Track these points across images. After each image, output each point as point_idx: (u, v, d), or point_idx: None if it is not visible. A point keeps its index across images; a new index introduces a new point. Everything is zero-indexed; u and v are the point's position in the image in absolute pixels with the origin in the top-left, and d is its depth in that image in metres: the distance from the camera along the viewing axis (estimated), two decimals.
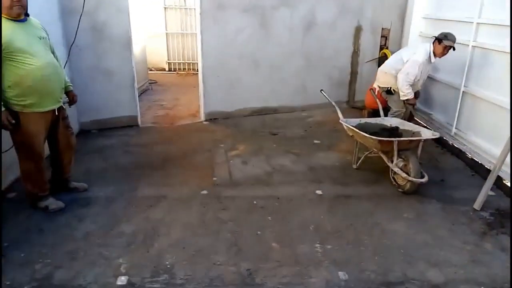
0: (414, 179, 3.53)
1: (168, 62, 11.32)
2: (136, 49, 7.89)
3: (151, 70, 10.78)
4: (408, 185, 3.63)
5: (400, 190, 3.73)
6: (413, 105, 4.75)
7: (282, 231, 3.10)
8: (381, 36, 6.55)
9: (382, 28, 6.50)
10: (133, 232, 3.05)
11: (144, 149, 4.82)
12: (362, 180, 4.01)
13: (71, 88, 3.45)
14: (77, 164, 4.22)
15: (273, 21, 5.94)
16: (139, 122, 5.78)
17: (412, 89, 4.57)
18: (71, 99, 3.45)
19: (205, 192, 3.73)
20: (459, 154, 4.65)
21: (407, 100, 4.61)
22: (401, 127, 4.25)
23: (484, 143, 4.40)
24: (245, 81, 6.08)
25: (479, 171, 4.20)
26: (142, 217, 3.26)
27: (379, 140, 3.72)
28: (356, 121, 4.37)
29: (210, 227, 3.13)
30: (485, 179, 4.00)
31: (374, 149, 3.98)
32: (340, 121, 4.31)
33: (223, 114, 6.12)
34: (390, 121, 4.38)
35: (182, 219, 3.25)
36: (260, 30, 5.94)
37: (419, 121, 5.75)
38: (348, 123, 4.24)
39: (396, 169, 3.66)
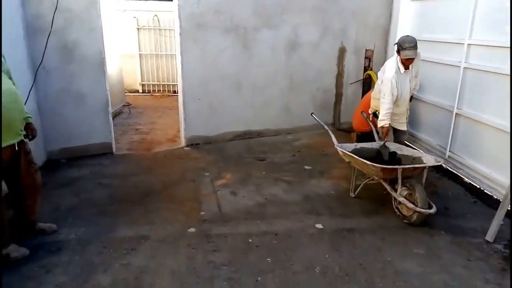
0: (422, 210, 3.26)
1: (142, 84, 10.89)
2: (112, 70, 7.45)
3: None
4: (415, 216, 3.36)
5: (405, 221, 3.46)
6: (384, 134, 4.17)
7: (285, 276, 2.73)
8: (365, 58, 6.43)
9: (366, 49, 6.40)
10: (111, 284, 2.59)
11: (120, 180, 4.36)
12: (363, 210, 3.72)
13: (31, 120, 2.99)
14: (44, 201, 3.71)
15: (255, 41, 5.70)
16: (114, 149, 5.31)
17: (398, 106, 4.26)
18: (31, 133, 2.98)
19: (192, 230, 3.31)
20: (456, 178, 4.47)
21: (381, 127, 4.14)
22: (399, 152, 4.02)
23: (481, 167, 4.23)
24: (227, 103, 5.77)
25: (481, 197, 4.01)
26: (122, 265, 2.81)
27: (382, 168, 3.45)
28: (352, 146, 4.12)
29: (202, 275, 2.72)
30: (488, 205, 3.84)
31: (375, 177, 3.72)
32: (335, 146, 4.04)
33: (205, 138, 5.75)
34: (388, 145, 4.15)
35: (169, 265, 2.82)
36: (242, 51, 5.67)
37: (408, 143, 5.60)
38: (344, 149, 3.98)
39: (401, 199, 3.40)
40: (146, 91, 10.95)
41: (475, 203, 3.95)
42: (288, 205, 3.82)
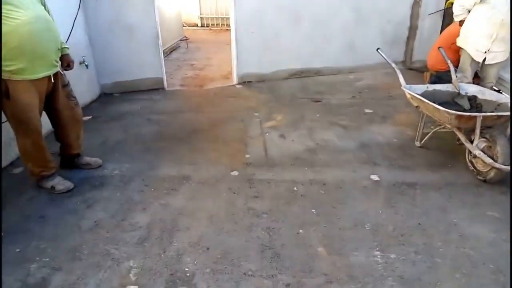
0: (503, 166, 2.74)
1: (201, 17, 10.57)
2: (167, 3, 7.18)
3: (182, 25, 10.09)
4: (492, 172, 2.85)
5: (479, 178, 2.96)
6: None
7: (330, 230, 2.46)
8: None
9: None
10: (148, 224, 2.53)
11: (169, 117, 4.26)
12: (428, 163, 3.25)
13: (68, 51, 2.80)
14: (94, 134, 3.77)
15: None
16: (165, 85, 5.20)
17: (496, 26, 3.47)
18: (67, 64, 2.80)
19: (235, 173, 3.13)
20: None
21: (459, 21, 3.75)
22: (480, 97, 3.40)
23: None
24: (283, 38, 5.29)
25: None
26: (161, 205, 2.73)
27: (458, 115, 2.91)
28: (422, 87, 3.55)
29: (240, 222, 2.55)
30: None
31: (447, 125, 3.18)
32: (402, 87, 3.50)
33: (258, 76, 5.41)
34: (466, 89, 3.52)
35: (207, 208, 2.69)
36: None
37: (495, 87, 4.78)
38: (413, 91, 3.43)
39: (477, 152, 2.88)
40: (205, 25, 10.66)
41: None
42: (341, 152, 3.46)
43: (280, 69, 5.45)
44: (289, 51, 5.36)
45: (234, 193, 2.86)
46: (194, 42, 8.87)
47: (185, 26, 10.18)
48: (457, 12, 3.76)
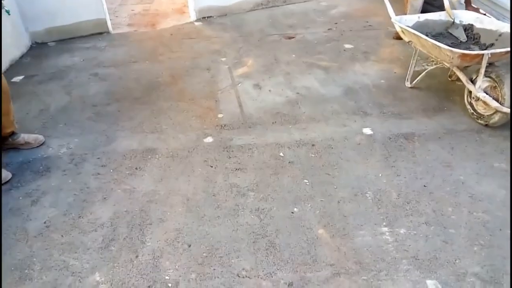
0: (504, 108, 2.45)
1: None
2: None
3: None
4: (496, 116, 2.56)
5: (480, 122, 2.68)
6: None
7: (328, 205, 2.14)
8: None
9: None
10: (112, 219, 2.09)
11: (120, 69, 3.60)
12: (422, 107, 2.92)
13: None
14: (29, 100, 3.13)
15: None
16: (110, 28, 4.39)
17: None
18: None
19: (209, 139, 2.67)
20: None
21: None
22: (477, 25, 3.00)
23: None
24: None
25: None
26: (124, 191, 2.27)
27: (462, 54, 2.51)
28: (413, 18, 3.09)
29: (224, 205, 2.16)
30: None
31: (445, 63, 2.80)
32: (392, 20, 3.03)
33: (219, 10, 4.68)
34: (461, 16, 3.10)
35: (182, 191, 2.26)
36: None
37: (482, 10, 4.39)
38: (403, 24, 2.97)
39: (481, 95, 2.55)
40: None
41: None
42: (326, 101, 3.04)
43: None
44: None
45: (211, 166, 2.43)
46: None
47: None
48: None
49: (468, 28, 3.05)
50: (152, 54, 3.85)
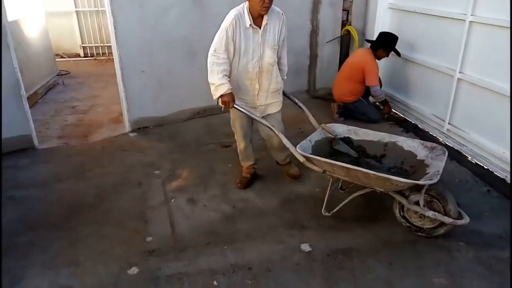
0: (458, 221, 2.47)
1: (83, 46, 9.39)
2: (31, 34, 6.03)
3: (61, 57, 8.85)
4: (442, 230, 2.56)
5: (420, 234, 2.64)
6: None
7: None
8: (343, 10, 5.40)
9: (344, 0, 5.35)
10: None
11: (40, 191, 3.30)
12: (357, 217, 2.90)
13: None
14: None
15: None
16: (36, 143, 4.16)
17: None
18: None
19: (134, 270, 2.39)
20: (460, 158, 3.74)
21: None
22: (354, 138, 3.05)
23: (491, 144, 3.51)
24: (179, 75, 4.66)
25: (494, 183, 3.31)
26: None
27: (408, 183, 2.39)
28: (307, 144, 2.88)
29: None
30: (504, 195, 3.15)
31: (377, 189, 2.64)
32: (295, 152, 2.79)
33: (155, 120, 4.68)
34: (336, 130, 3.09)
35: None
36: (193, 9, 4.49)
37: (396, 112, 4.81)
38: (305, 151, 2.75)
39: (430, 214, 2.49)
40: (89, 55, 9.50)
41: (489, 192, 3.23)
42: (263, 215, 2.94)
43: (180, 109, 4.79)
44: (187, 89, 4.74)
45: None
46: (76, 77, 7.70)
47: (65, 58, 8.96)
48: None
49: (348, 142, 3.04)
50: (79, 170, 3.62)
